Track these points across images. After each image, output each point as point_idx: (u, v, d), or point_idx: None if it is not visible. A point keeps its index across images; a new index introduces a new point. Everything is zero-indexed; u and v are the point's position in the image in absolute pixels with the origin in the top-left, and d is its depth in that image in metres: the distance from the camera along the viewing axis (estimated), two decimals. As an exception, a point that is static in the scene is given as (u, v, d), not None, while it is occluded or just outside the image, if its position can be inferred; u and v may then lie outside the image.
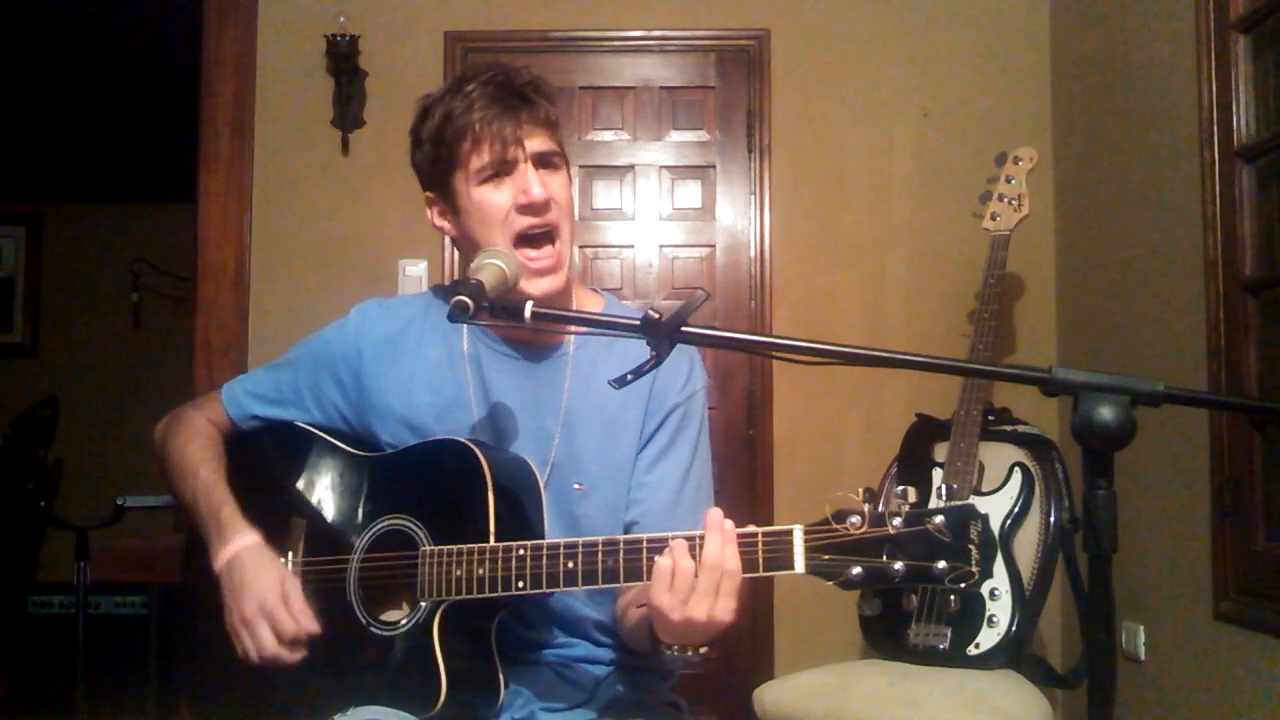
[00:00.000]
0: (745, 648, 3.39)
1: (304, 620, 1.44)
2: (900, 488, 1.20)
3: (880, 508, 1.19)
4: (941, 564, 1.16)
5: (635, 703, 1.54)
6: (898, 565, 1.17)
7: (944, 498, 1.19)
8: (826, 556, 1.20)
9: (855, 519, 1.19)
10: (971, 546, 1.15)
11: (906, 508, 1.19)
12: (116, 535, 3.27)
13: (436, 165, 1.52)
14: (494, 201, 1.48)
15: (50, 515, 5.15)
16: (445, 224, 1.56)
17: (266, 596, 1.45)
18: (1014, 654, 2.53)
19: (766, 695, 2.57)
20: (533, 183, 1.47)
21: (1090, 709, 1.13)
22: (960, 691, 2.37)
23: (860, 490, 1.21)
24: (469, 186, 1.49)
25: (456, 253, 3.50)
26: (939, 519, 1.16)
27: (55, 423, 5.30)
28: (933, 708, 2.34)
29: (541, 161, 1.50)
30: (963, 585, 1.17)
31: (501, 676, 1.41)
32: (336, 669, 1.46)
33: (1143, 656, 2.81)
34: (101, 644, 3.42)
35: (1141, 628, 2.82)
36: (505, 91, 1.48)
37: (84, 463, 5.68)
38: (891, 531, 1.17)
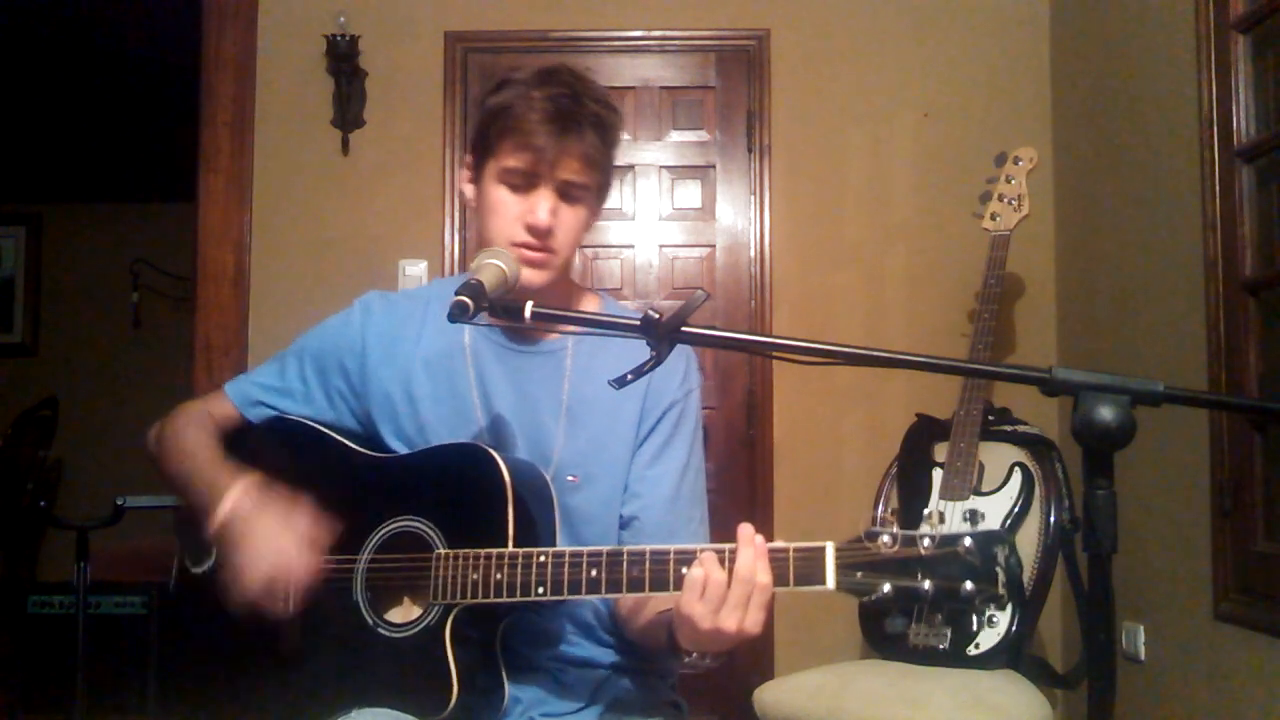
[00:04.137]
0: (745, 648, 3.37)
1: (305, 580, 1.41)
2: (926, 510, 1.23)
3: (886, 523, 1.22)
4: (969, 585, 1.18)
5: (636, 703, 1.55)
6: (927, 585, 1.19)
7: (971, 523, 1.23)
8: (858, 574, 1.21)
9: (887, 539, 1.20)
10: (999, 569, 1.18)
11: (937, 531, 1.21)
12: (116, 535, 3.26)
13: (480, 141, 1.55)
14: (505, 204, 1.51)
15: (50, 515, 5.14)
16: (468, 189, 1.59)
17: (257, 578, 1.40)
18: (1014, 654, 2.53)
19: (766, 695, 2.57)
20: (542, 209, 1.49)
21: (1090, 709, 1.13)
22: (960, 691, 2.37)
23: (890, 512, 1.23)
24: (493, 178, 1.52)
25: (456, 253, 3.52)
26: (969, 542, 1.18)
27: (55, 423, 5.30)
28: (933, 708, 2.33)
29: (564, 191, 1.51)
30: (990, 608, 1.20)
31: (505, 681, 1.41)
32: (339, 669, 1.45)
33: (1143, 656, 2.81)
34: (101, 644, 3.42)
35: (1141, 628, 2.82)
36: (565, 115, 1.47)
37: (84, 463, 5.68)
38: (923, 553, 1.19)
